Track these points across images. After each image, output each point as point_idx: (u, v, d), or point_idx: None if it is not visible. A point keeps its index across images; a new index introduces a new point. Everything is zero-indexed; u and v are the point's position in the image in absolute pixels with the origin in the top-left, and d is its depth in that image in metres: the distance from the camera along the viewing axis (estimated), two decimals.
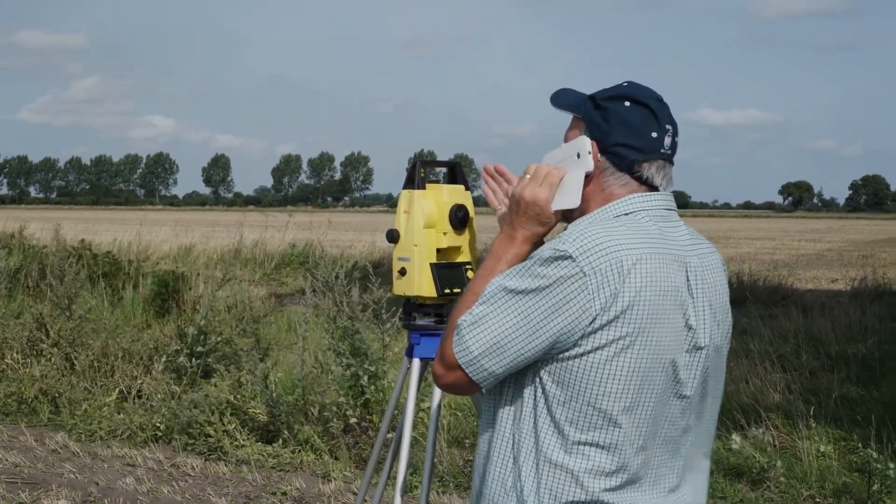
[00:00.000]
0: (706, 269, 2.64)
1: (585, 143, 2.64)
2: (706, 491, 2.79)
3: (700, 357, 2.59)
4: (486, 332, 2.50)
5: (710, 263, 2.68)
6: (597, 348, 2.46)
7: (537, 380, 2.54)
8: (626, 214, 2.59)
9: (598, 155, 2.63)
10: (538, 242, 2.69)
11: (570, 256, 2.46)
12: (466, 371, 2.53)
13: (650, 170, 2.62)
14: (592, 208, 2.64)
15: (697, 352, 2.58)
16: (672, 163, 2.67)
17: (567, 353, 2.48)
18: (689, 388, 2.59)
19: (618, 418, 2.48)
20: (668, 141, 2.64)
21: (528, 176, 2.71)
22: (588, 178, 2.65)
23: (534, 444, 2.54)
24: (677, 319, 2.53)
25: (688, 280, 2.57)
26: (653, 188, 2.65)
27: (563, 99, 2.78)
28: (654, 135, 2.61)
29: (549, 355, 2.50)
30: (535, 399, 2.55)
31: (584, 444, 2.49)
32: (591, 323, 2.44)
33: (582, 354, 2.47)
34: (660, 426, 2.56)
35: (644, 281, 2.47)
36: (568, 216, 2.70)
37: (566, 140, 2.73)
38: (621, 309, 2.44)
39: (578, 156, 2.65)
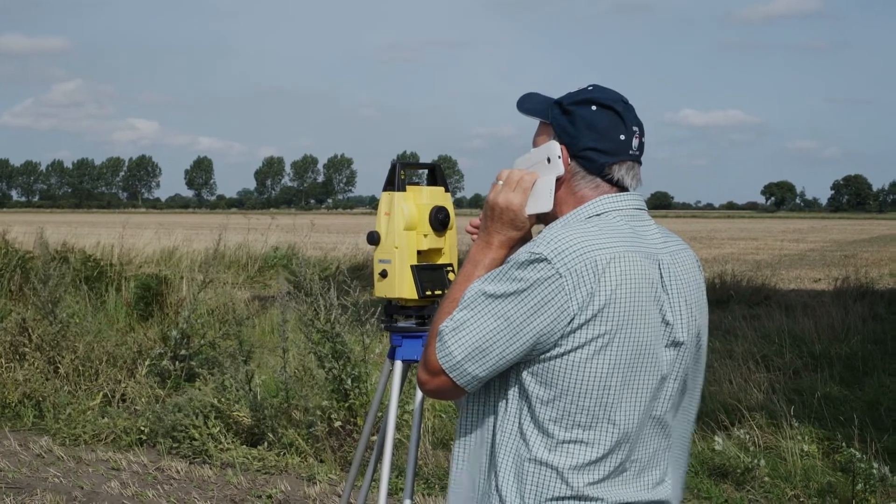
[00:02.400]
0: (679, 265, 2.69)
1: (555, 148, 2.68)
2: (683, 484, 2.82)
3: (679, 352, 2.64)
4: (468, 336, 2.54)
5: (683, 260, 2.73)
6: (577, 347, 2.49)
7: (520, 381, 2.57)
8: (598, 215, 2.64)
9: (568, 159, 2.67)
10: (514, 247, 2.72)
11: (546, 259, 2.50)
12: (450, 376, 2.56)
13: (620, 171, 2.67)
14: (565, 211, 2.69)
15: (676, 347, 2.63)
16: (640, 163, 2.73)
17: (548, 354, 2.51)
18: (669, 383, 2.63)
19: (601, 415, 2.52)
20: (635, 142, 2.69)
21: (500, 182, 2.75)
22: (559, 181, 2.69)
23: (517, 444, 2.57)
24: (654, 315, 2.58)
25: (661, 276, 2.62)
26: (623, 189, 2.69)
27: (529, 104, 2.82)
28: (622, 137, 2.66)
29: (531, 356, 2.54)
30: (518, 400, 2.58)
31: (569, 441, 2.53)
32: (569, 322, 2.48)
33: (563, 354, 2.50)
34: (642, 421, 2.60)
35: (619, 279, 2.51)
36: (542, 219, 2.74)
37: (535, 145, 2.77)
38: (598, 307, 2.48)
39: (549, 160, 2.69)
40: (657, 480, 2.67)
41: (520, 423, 2.57)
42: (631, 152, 2.68)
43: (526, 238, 2.75)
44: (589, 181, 2.67)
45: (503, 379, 2.61)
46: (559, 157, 2.67)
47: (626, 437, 2.56)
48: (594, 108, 2.67)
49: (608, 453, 2.55)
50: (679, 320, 2.63)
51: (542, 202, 2.70)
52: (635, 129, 2.69)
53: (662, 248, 2.67)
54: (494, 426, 2.63)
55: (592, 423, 2.52)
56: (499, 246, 2.72)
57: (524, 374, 2.56)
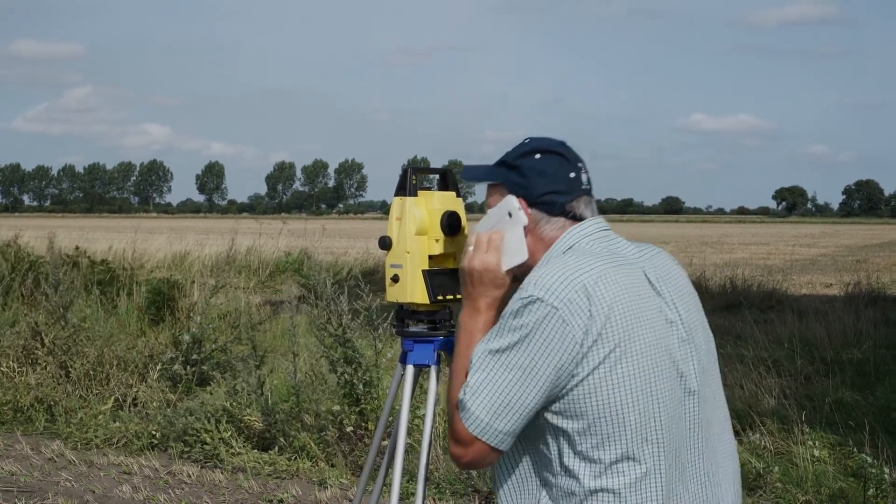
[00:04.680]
0: (661, 268, 2.78)
1: (513, 201, 2.80)
2: (739, 481, 2.87)
3: (690, 349, 2.70)
4: (489, 396, 2.59)
5: (663, 262, 2.81)
6: (594, 368, 2.54)
7: (550, 423, 2.62)
8: (571, 248, 2.72)
9: (528, 209, 2.78)
10: (499, 306, 2.78)
11: (539, 298, 2.58)
12: (483, 439, 2.61)
13: (579, 206, 2.79)
14: (539, 257, 2.77)
15: (685, 344, 2.69)
16: (593, 195, 2.85)
17: (569, 385, 2.56)
18: (693, 381, 2.68)
19: (637, 426, 2.56)
20: (584, 177, 2.83)
21: (471, 248, 2.84)
22: (525, 232, 2.79)
23: (569, 483, 2.59)
24: (656, 318, 2.64)
25: (650, 282, 2.69)
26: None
27: (473, 173, 2.97)
28: (572, 175, 2.80)
29: (554, 394, 2.58)
30: (556, 442, 2.62)
31: (616, 461, 2.56)
32: (579, 350, 2.54)
33: (583, 380, 2.55)
34: (681, 424, 2.64)
35: (612, 293, 2.58)
36: (520, 272, 2.80)
37: (489, 207, 2.89)
38: (601, 325, 2.54)
39: (510, 214, 2.80)
40: (710, 481, 2.71)
41: (562, 461, 2.60)
42: (583, 187, 2.81)
43: (509, 295, 2.81)
44: (554, 223, 2.78)
45: (533, 429, 2.66)
46: (519, 208, 2.79)
47: (670, 443, 2.60)
48: (538, 156, 2.80)
49: (657, 462, 2.57)
50: (679, 318, 2.70)
51: (516, 255, 2.80)
52: (580, 164, 2.83)
53: (640, 257, 2.76)
54: (540, 474, 2.67)
55: (632, 436, 2.56)
56: (487, 308, 2.79)
57: (552, 416, 2.60)
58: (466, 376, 2.66)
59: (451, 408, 2.68)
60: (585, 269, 2.60)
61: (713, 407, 2.77)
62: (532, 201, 2.77)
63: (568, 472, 2.58)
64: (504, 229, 2.81)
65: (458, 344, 2.78)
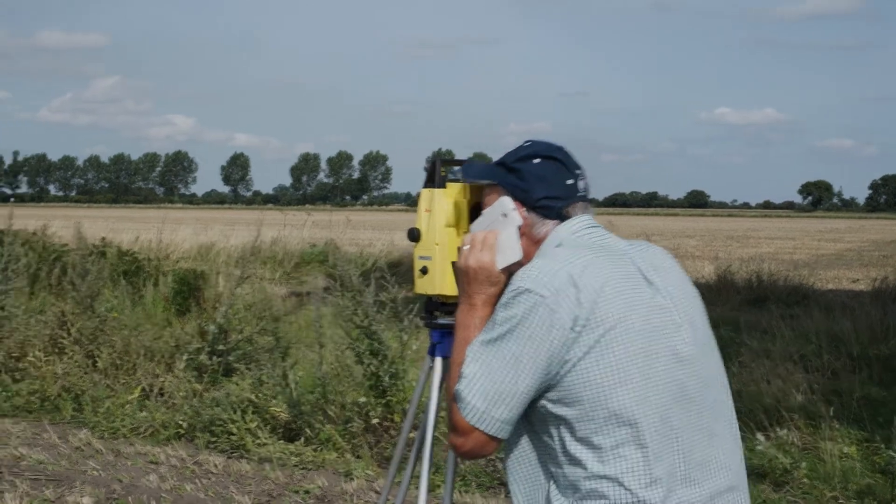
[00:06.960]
0: (651, 259, 2.81)
1: (507, 202, 2.86)
2: (743, 467, 2.83)
3: (689, 333, 2.71)
4: (484, 384, 2.62)
5: (653, 254, 2.85)
6: (585, 354, 2.56)
7: (550, 413, 2.63)
8: (560, 244, 2.76)
9: (525, 211, 2.83)
10: (495, 303, 2.80)
11: (527, 289, 2.62)
12: (481, 428, 2.64)
13: (574, 212, 2.83)
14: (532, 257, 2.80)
15: (682, 328, 2.70)
16: (589, 202, 2.89)
17: (562, 372, 2.58)
18: (695, 365, 2.69)
19: (634, 409, 2.56)
20: (581, 184, 2.87)
21: (466, 247, 2.90)
22: (520, 233, 2.85)
23: (572, 470, 2.60)
24: (647, 304, 2.66)
25: (640, 272, 2.72)
26: None
27: (473, 172, 3.08)
28: (569, 182, 2.84)
29: (548, 383, 2.60)
30: (558, 431, 2.63)
31: (617, 446, 2.55)
32: (568, 335, 2.57)
33: (574, 366, 2.57)
34: (683, 407, 2.64)
35: (600, 280, 2.61)
36: (515, 270, 2.82)
37: (486, 206, 2.95)
38: (588, 311, 2.57)
39: (505, 215, 2.86)
40: (717, 467, 2.68)
41: (565, 449, 2.61)
42: (579, 194, 2.85)
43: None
44: (547, 225, 2.82)
45: (531, 418, 2.68)
46: (513, 208, 2.84)
47: (670, 425, 2.60)
48: (537, 160, 2.84)
49: (658, 446, 2.56)
50: (672, 303, 2.72)
51: (511, 254, 2.85)
52: (578, 171, 2.87)
53: (630, 250, 2.79)
54: (546, 465, 2.68)
55: (630, 419, 2.55)
56: (483, 305, 2.83)
57: (548, 404, 2.63)
58: None
59: (450, 400, 2.72)
60: (572, 260, 2.64)
61: (716, 391, 2.76)
62: (531, 205, 2.82)
63: (571, 459, 2.59)
64: (499, 229, 2.87)
65: (456, 339, 2.83)
